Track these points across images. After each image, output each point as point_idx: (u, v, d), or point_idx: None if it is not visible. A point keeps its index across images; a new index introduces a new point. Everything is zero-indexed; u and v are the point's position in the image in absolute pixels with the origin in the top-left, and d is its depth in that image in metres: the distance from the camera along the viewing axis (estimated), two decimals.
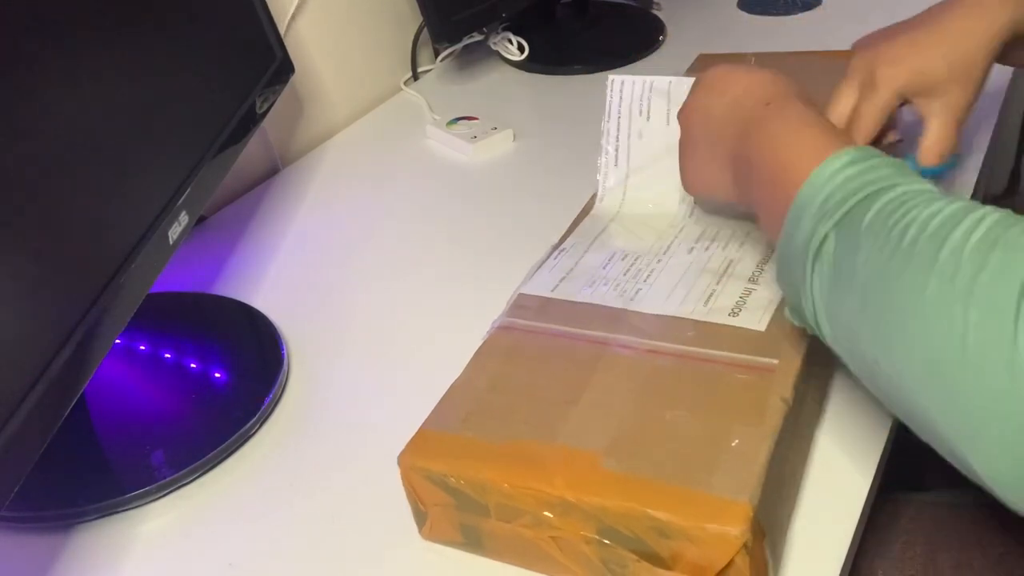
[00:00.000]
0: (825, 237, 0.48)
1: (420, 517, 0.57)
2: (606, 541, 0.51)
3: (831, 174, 0.49)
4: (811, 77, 0.92)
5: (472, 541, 0.56)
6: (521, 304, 0.66)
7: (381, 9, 1.15)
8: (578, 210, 0.77)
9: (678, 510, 0.49)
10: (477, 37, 1.19)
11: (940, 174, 0.68)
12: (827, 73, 0.90)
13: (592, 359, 0.60)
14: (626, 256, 0.70)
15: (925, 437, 0.44)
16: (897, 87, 0.66)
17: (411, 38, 1.17)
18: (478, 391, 0.59)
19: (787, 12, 1.22)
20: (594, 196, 0.78)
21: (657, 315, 0.63)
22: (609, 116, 0.79)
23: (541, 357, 0.61)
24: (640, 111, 0.77)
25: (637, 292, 0.65)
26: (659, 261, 0.69)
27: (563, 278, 0.68)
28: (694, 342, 0.60)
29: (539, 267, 0.70)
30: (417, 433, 0.57)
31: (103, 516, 0.62)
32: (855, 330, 0.46)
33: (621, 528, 0.51)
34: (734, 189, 0.61)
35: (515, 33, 1.17)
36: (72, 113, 0.58)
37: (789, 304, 0.54)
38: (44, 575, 0.60)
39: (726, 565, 0.49)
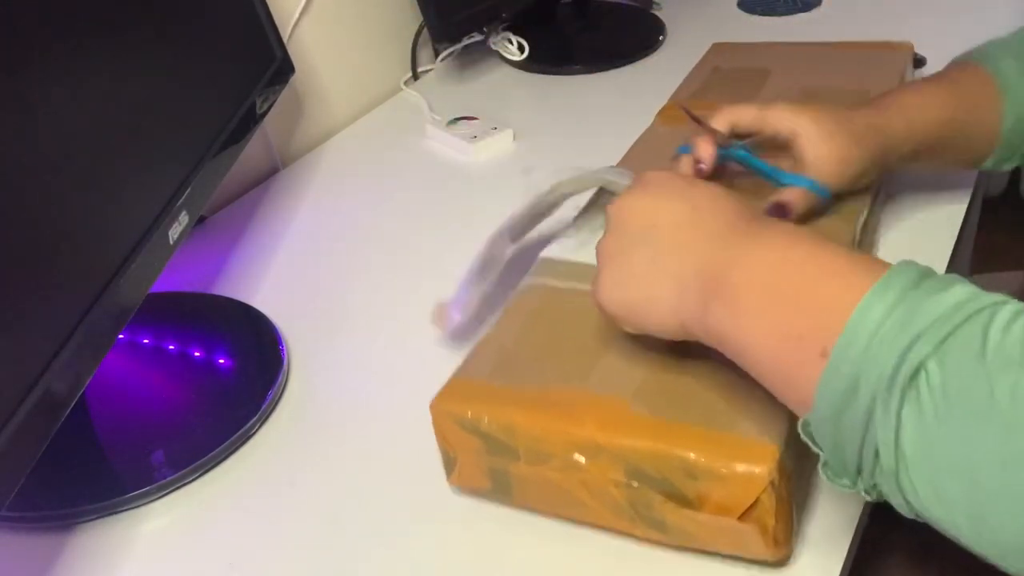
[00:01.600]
0: (919, 368, 0.40)
1: (449, 464, 0.59)
2: (634, 483, 0.53)
3: (898, 293, 0.42)
4: (820, 67, 0.93)
5: (501, 487, 0.58)
6: (545, 266, 0.68)
7: (381, 9, 1.15)
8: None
9: (706, 450, 0.51)
10: (477, 37, 1.19)
11: (818, 194, 0.68)
12: (838, 62, 0.90)
13: None
14: None
15: None
16: (791, 114, 0.68)
17: (411, 38, 1.17)
18: (506, 344, 0.61)
19: (787, 12, 1.22)
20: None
21: None
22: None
23: (567, 314, 0.63)
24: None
25: None
26: None
27: (584, 243, 0.69)
28: None
29: (562, 233, 0.71)
30: (448, 382, 0.59)
31: (103, 516, 0.62)
32: (989, 461, 0.38)
33: (649, 469, 0.52)
34: (682, 311, 0.51)
35: (515, 33, 1.16)
36: (72, 113, 0.58)
37: (832, 463, 0.45)
38: (44, 575, 0.60)
39: (752, 504, 0.50)
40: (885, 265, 0.44)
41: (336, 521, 0.61)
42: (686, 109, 0.76)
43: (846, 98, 0.79)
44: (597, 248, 0.56)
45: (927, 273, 0.43)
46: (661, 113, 0.89)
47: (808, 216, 0.68)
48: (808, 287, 0.45)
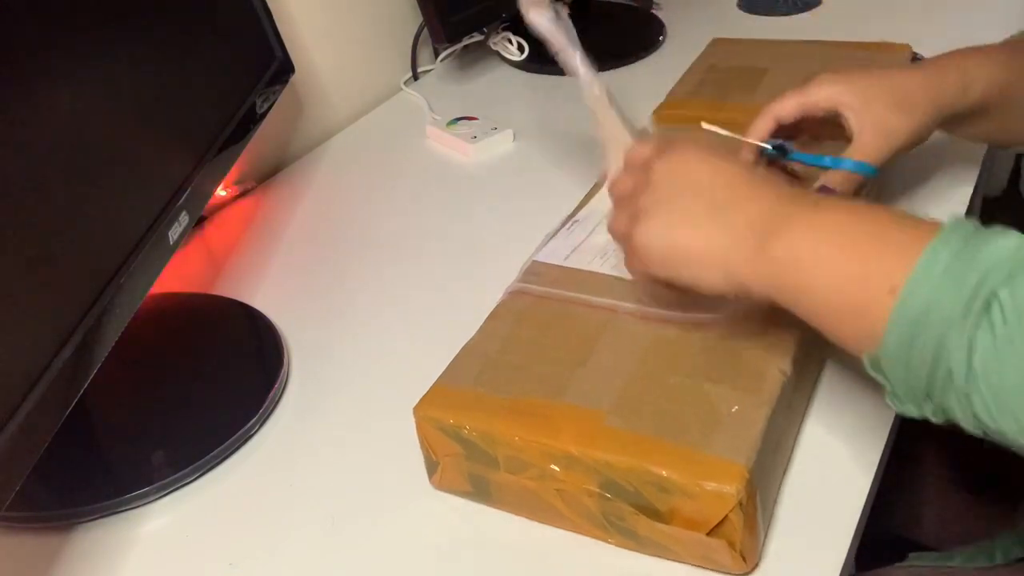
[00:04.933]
0: (991, 297, 0.43)
1: (431, 467, 0.60)
2: (607, 495, 0.54)
3: (961, 238, 0.45)
4: (818, 66, 0.93)
5: (480, 491, 0.59)
6: (534, 271, 0.68)
7: (381, 9, 1.15)
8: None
9: (678, 467, 0.52)
10: (477, 37, 1.19)
11: (863, 173, 0.68)
12: (836, 61, 0.90)
13: (600, 325, 0.62)
14: None
15: None
16: (829, 90, 0.68)
17: (411, 38, 1.17)
18: (490, 351, 0.61)
19: (787, 12, 1.22)
20: (605, 172, 0.79)
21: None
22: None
23: (551, 321, 0.63)
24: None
25: None
26: None
27: (575, 248, 0.70)
28: (695, 308, 0.62)
29: (552, 237, 0.72)
30: (432, 387, 0.59)
31: (103, 516, 0.62)
32: None
33: (622, 482, 0.53)
34: (731, 259, 0.53)
35: (515, 33, 1.16)
36: (73, 113, 0.58)
37: (899, 392, 0.47)
38: (44, 575, 0.60)
39: (720, 521, 0.51)
40: (940, 222, 0.47)
41: (336, 521, 0.61)
42: (715, 128, 0.70)
43: None
44: (629, 200, 0.58)
45: (979, 226, 0.46)
46: (656, 112, 0.89)
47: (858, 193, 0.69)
48: (875, 234, 0.48)
